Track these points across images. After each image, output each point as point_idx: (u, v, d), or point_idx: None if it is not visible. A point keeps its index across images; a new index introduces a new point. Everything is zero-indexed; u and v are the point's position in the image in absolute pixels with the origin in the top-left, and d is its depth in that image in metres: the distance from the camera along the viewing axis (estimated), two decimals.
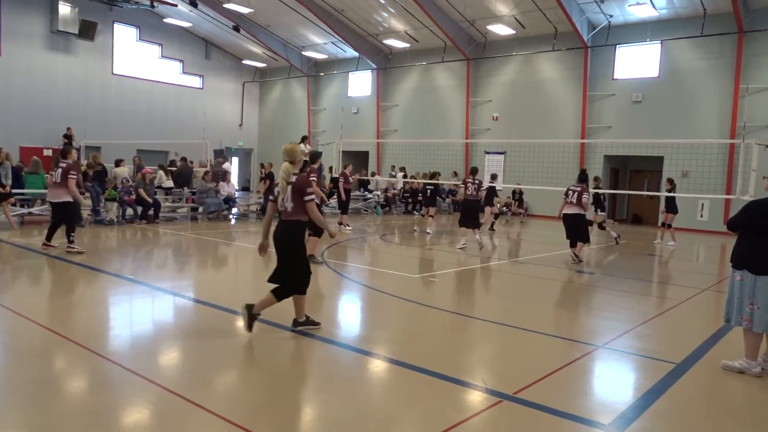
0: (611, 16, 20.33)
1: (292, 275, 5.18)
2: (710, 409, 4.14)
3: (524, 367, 4.73)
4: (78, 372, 4.28)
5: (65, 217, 9.35)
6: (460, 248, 11.78)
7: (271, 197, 5.32)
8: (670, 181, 14.85)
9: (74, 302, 6.64)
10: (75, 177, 9.25)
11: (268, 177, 17.10)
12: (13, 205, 12.62)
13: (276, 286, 5.19)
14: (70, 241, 9.25)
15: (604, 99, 21.40)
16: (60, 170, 9.16)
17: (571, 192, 10.72)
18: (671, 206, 14.62)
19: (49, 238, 9.45)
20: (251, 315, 5.12)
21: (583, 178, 11.02)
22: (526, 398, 3.99)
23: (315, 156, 9.91)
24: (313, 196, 5.14)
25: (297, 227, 5.17)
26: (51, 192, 9.41)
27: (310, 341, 5.21)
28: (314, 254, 9.33)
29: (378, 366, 4.71)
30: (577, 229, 10.74)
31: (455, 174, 24.15)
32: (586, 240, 10.87)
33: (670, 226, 14.58)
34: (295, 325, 5.34)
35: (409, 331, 5.80)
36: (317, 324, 5.42)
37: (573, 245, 10.83)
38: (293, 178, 5.12)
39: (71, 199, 9.30)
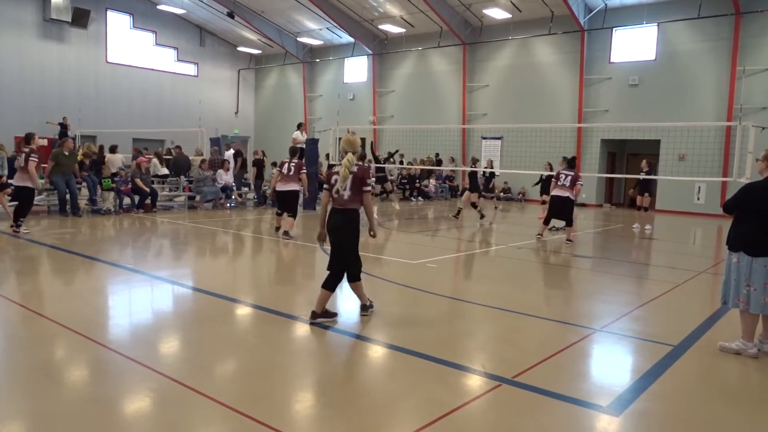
0: None
1: (352, 260, 5.37)
2: (707, 390, 4.18)
3: (523, 351, 4.76)
4: (78, 361, 4.30)
5: (22, 199, 10.20)
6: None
7: (325, 185, 5.43)
8: (650, 163, 14.69)
9: (73, 292, 6.64)
10: (35, 161, 10.04)
11: (256, 164, 17.07)
12: (9, 195, 12.57)
13: (330, 280, 5.36)
14: (18, 225, 10.04)
15: (600, 83, 21.34)
16: (23, 155, 10.07)
17: (563, 176, 11.14)
18: (646, 188, 14.44)
19: (15, 220, 10.24)
20: (324, 314, 5.33)
21: (573, 164, 11.54)
22: (525, 382, 4.02)
23: (299, 150, 11.49)
24: (370, 187, 5.33)
25: (355, 215, 5.30)
26: (16, 176, 10.31)
27: (310, 328, 5.23)
28: (289, 231, 10.80)
29: (377, 352, 4.73)
30: (563, 212, 11.21)
31: (452, 160, 24.12)
32: (570, 223, 11.35)
33: (647, 209, 14.39)
34: (364, 309, 5.54)
35: (408, 317, 5.82)
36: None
37: (547, 223, 11.48)
38: (355, 168, 5.23)
39: (31, 185, 10.10)
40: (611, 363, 4.73)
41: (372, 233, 5.53)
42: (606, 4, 20.47)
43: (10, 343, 4.62)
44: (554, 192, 11.21)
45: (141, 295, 6.47)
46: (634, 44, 20.63)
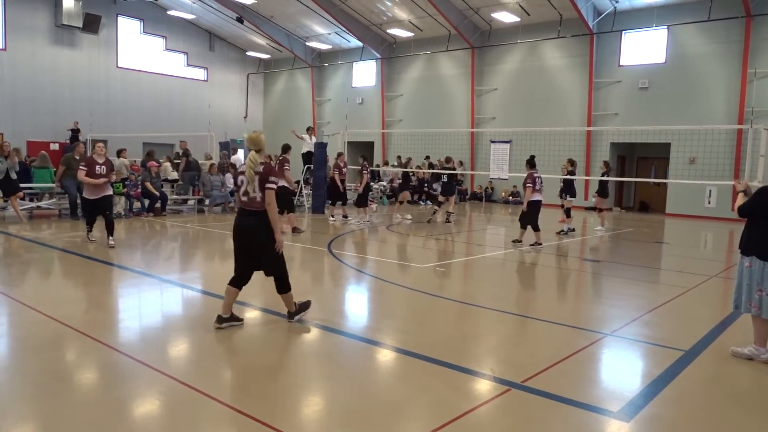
0: (617, 1, 20.16)
1: (276, 266, 5.15)
2: (719, 395, 4.14)
3: (532, 356, 4.73)
4: (89, 363, 4.32)
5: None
6: (367, 221, 13.94)
7: (235, 187, 5.20)
8: (607, 164, 14.54)
9: (84, 295, 6.68)
10: (84, 170, 9.17)
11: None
12: (22, 199, 12.70)
13: (273, 283, 5.22)
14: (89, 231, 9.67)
15: (610, 86, 21.26)
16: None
17: (539, 180, 11.12)
18: (603, 190, 14.25)
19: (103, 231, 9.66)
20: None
21: (533, 163, 11.34)
22: (535, 386, 4.00)
23: (287, 147, 11.99)
24: (274, 185, 4.97)
25: (266, 217, 5.00)
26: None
27: (319, 332, 5.23)
28: (297, 227, 11.74)
29: (385, 355, 4.72)
30: (536, 217, 11.20)
31: (461, 164, 24.09)
32: (538, 227, 11.29)
33: (601, 210, 14.21)
34: (290, 317, 5.34)
35: (417, 321, 5.81)
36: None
37: (524, 228, 11.23)
38: (260, 168, 4.93)
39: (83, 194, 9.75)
40: (622, 368, 4.70)
41: (276, 243, 5.04)
42: (615, 7, 20.40)
43: (21, 346, 4.65)
44: (535, 197, 11.04)
45: (150, 298, 6.50)
46: (643, 47, 20.53)
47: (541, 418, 3.59)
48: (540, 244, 11.03)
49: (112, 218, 9.47)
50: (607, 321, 6.02)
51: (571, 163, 13.40)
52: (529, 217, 11.12)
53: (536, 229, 11.12)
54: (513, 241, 11.23)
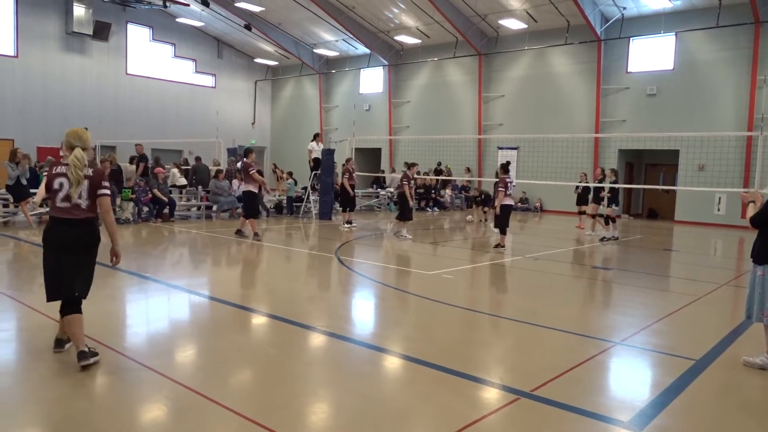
0: (624, 8, 20.13)
1: (85, 282, 4.33)
2: (730, 406, 4.08)
3: (541, 364, 4.69)
4: (95, 368, 4.31)
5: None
6: (403, 236, 12.64)
7: (48, 193, 4.30)
8: (585, 174, 14.92)
9: (91, 300, 6.66)
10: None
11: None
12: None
13: (66, 305, 4.29)
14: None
15: (618, 92, 21.20)
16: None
17: (511, 185, 11.42)
18: (594, 198, 14.46)
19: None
20: (62, 342, 4.47)
21: (507, 169, 11.57)
22: (544, 395, 3.96)
23: (248, 151, 12.09)
24: (108, 191, 4.29)
25: (93, 227, 4.30)
26: None
27: (326, 339, 5.21)
28: (255, 230, 11.74)
29: (393, 363, 4.70)
30: (507, 220, 11.45)
31: (468, 170, 24.07)
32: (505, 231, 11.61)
33: (583, 213, 14.80)
34: (84, 356, 4.14)
35: (424, 328, 5.78)
36: (96, 355, 4.25)
37: (504, 233, 11.52)
38: (91, 172, 4.21)
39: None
40: (632, 377, 4.65)
41: (115, 257, 4.41)
42: (623, 14, 20.37)
43: (27, 350, 4.66)
44: (506, 201, 11.30)
45: (158, 304, 6.50)
46: (651, 54, 20.49)
47: (551, 427, 3.55)
48: (502, 245, 11.32)
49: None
50: (617, 329, 5.97)
51: (614, 172, 13.90)
52: (499, 220, 11.46)
53: (503, 232, 11.46)
54: (494, 246, 11.49)
